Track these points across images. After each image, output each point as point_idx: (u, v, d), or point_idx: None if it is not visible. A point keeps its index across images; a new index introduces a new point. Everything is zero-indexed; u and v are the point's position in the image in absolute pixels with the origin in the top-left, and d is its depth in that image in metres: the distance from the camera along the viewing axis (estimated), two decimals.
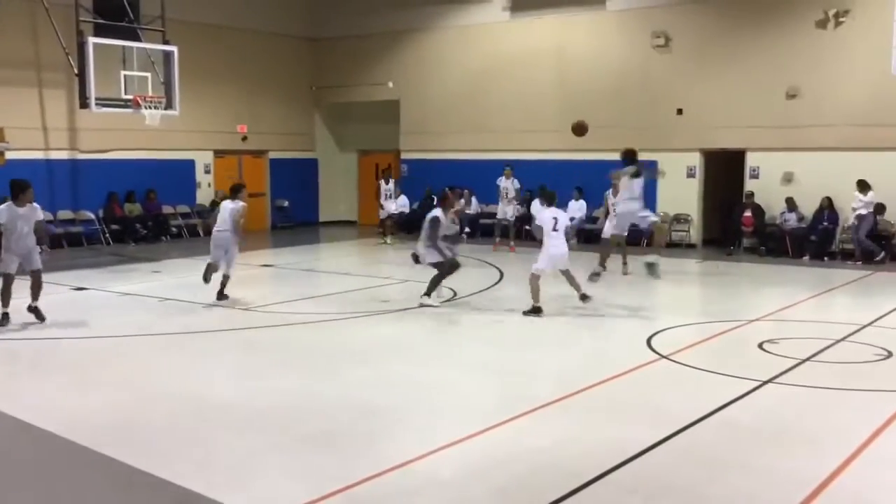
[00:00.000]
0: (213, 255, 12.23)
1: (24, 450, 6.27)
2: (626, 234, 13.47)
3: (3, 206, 10.21)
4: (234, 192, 12.38)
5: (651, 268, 11.94)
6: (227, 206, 12.22)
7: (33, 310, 10.32)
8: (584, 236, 18.55)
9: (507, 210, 18.78)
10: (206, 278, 12.28)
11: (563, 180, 19.87)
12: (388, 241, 19.27)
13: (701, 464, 5.85)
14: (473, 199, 21.11)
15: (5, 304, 10.20)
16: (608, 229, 14.09)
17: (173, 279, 14.56)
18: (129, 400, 7.37)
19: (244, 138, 22.87)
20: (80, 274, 14.38)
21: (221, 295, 12.14)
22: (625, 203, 12.25)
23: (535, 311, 11.12)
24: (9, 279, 10.19)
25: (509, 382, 7.94)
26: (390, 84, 23.06)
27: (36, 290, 10.37)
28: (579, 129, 13.00)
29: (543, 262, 11.17)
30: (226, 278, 12.17)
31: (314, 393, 7.60)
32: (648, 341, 9.41)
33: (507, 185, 18.93)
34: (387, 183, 20.03)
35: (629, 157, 12.26)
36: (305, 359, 8.95)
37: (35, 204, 10.31)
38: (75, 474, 5.79)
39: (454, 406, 7.23)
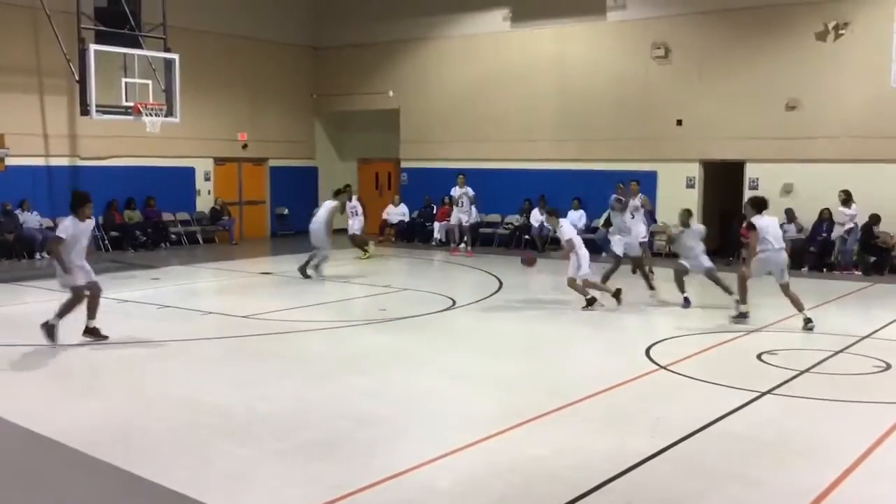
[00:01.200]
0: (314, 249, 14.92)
1: (21, 455, 6.26)
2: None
3: (67, 220, 9.77)
4: (336, 193, 15.68)
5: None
6: (326, 203, 15.49)
7: (92, 331, 9.77)
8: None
9: (461, 217, 19.34)
10: (305, 272, 14.90)
11: (563, 190, 19.98)
12: (362, 255, 18.41)
13: (699, 474, 5.84)
14: (473, 209, 21.13)
15: (91, 316, 9.74)
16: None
17: (172, 286, 14.55)
18: (128, 406, 7.37)
19: (244, 146, 22.91)
20: None
21: (305, 273, 14.95)
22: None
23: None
24: (81, 291, 9.64)
25: (508, 392, 7.93)
26: (391, 93, 23.11)
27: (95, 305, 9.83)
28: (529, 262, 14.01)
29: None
30: (311, 261, 14.92)
31: (313, 401, 7.60)
32: (647, 351, 9.42)
33: (461, 192, 19.17)
34: (350, 200, 18.24)
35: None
36: (304, 367, 8.94)
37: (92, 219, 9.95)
38: (73, 480, 5.78)
39: (452, 415, 7.22)
